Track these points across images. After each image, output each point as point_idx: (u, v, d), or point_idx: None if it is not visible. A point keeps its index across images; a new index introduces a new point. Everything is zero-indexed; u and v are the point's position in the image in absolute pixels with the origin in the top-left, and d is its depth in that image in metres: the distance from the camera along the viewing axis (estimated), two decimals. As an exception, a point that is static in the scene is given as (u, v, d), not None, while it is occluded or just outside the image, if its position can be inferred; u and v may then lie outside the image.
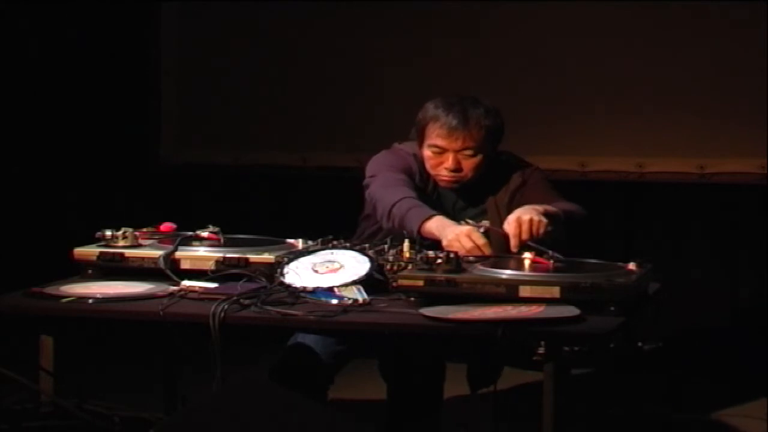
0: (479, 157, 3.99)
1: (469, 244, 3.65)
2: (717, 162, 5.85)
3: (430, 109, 4.02)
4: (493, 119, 4.00)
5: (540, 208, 3.78)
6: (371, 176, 4.05)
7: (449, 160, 3.98)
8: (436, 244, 3.69)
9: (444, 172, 3.99)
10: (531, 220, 3.68)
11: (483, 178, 4.02)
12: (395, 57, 6.16)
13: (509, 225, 3.71)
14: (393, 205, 3.87)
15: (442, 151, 3.98)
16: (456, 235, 3.69)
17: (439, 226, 3.76)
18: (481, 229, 3.77)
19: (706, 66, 5.84)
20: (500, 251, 3.76)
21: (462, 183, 4.01)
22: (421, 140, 4.03)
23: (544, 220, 3.71)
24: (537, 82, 5.98)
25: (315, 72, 6.26)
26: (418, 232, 3.76)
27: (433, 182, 4.06)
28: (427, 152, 4.01)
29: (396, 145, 4.16)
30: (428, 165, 4.02)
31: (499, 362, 3.91)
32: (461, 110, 3.98)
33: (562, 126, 5.97)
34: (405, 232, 3.74)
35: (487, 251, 3.66)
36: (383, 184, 3.98)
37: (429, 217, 3.78)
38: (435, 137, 3.98)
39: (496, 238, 3.81)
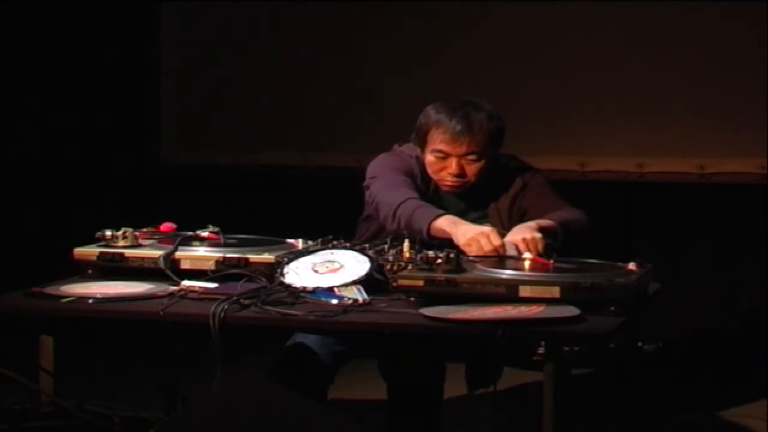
0: (482, 162, 3.98)
1: (488, 246, 3.64)
2: (717, 162, 5.85)
3: (432, 114, 4.01)
4: (496, 123, 4.00)
5: (533, 224, 3.77)
6: (372, 177, 4.05)
7: (453, 166, 3.97)
8: (444, 243, 3.69)
9: (447, 178, 3.99)
10: (524, 240, 3.67)
11: (484, 182, 4.02)
12: (395, 57, 6.16)
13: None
14: (398, 206, 3.87)
15: (445, 156, 3.98)
16: (475, 235, 3.68)
17: (450, 223, 3.76)
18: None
19: (706, 66, 5.84)
20: None
21: (466, 188, 4.01)
22: (423, 145, 4.02)
23: (538, 235, 3.69)
24: (537, 82, 5.98)
25: (315, 72, 6.26)
26: (428, 231, 3.76)
27: (434, 185, 4.05)
28: (429, 157, 4.00)
29: (396, 147, 4.15)
30: (431, 170, 4.02)
31: (499, 362, 3.91)
32: (464, 115, 3.97)
33: (562, 126, 5.97)
34: (411, 232, 3.73)
35: (503, 252, 3.66)
36: (385, 185, 3.98)
37: (438, 216, 3.79)
38: (439, 142, 3.97)
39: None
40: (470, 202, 4.05)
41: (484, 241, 3.65)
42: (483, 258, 3.60)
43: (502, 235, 3.73)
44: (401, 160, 4.07)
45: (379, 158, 4.12)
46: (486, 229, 3.70)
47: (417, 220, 3.80)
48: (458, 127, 3.95)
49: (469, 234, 3.69)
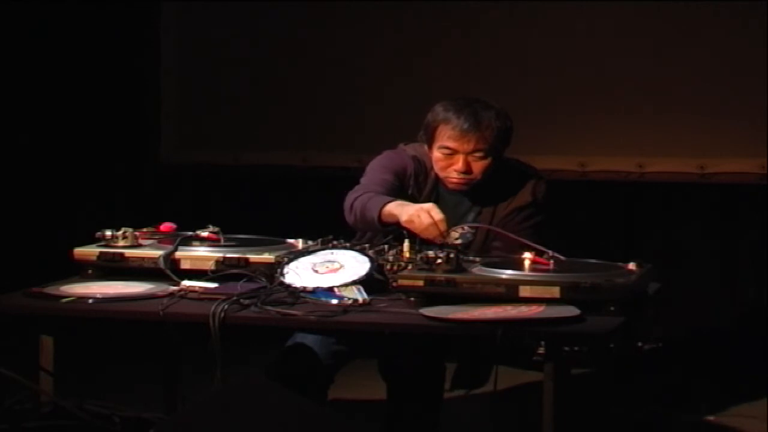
0: (489, 160, 3.99)
1: (427, 220, 3.69)
2: (717, 162, 5.85)
3: (440, 111, 4.02)
4: (504, 122, 4.02)
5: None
6: (363, 176, 4.09)
7: (459, 162, 3.98)
8: (396, 227, 3.73)
9: (454, 174, 4.00)
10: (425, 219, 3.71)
11: (487, 183, 4.03)
12: (395, 57, 6.16)
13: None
14: (355, 200, 3.92)
15: (452, 152, 3.99)
16: (415, 211, 3.73)
17: (398, 205, 3.81)
18: (465, 228, 3.81)
19: (706, 66, 5.84)
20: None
21: (471, 185, 4.02)
22: (430, 142, 4.03)
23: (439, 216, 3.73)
24: (537, 82, 5.98)
25: (315, 72, 6.26)
26: (379, 217, 3.79)
27: (432, 185, 4.06)
28: (437, 154, 4.01)
29: (401, 145, 4.16)
30: (437, 167, 4.03)
31: (488, 364, 3.91)
32: (473, 112, 3.98)
33: (562, 126, 5.97)
34: (365, 222, 3.82)
35: (443, 227, 3.70)
36: (362, 183, 4.02)
37: (389, 201, 3.83)
38: (446, 139, 3.98)
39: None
40: (471, 203, 4.05)
41: (423, 216, 3.70)
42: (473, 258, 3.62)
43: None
44: (397, 157, 4.09)
45: (377, 156, 4.15)
46: (426, 205, 3.75)
47: (370, 209, 3.85)
48: (466, 125, 3.96)
49: (410, 210, 3.74)
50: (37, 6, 6.32)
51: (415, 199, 4.00)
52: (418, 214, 3.72)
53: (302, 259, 3.62)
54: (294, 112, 6.31)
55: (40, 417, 3.42)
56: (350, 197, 3.97)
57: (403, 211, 3.77)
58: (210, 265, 3.65)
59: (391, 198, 3.86)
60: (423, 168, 4.06)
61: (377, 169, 4.06)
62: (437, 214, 3.71)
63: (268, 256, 3.66)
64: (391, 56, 6.17)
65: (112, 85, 6.44)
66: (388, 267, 3.59)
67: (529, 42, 6.01)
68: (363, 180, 4.05)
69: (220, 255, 3.67)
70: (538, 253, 3.59)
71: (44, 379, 3.53)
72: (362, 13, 6.20)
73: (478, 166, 3.99)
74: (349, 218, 3.95)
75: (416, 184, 4.05)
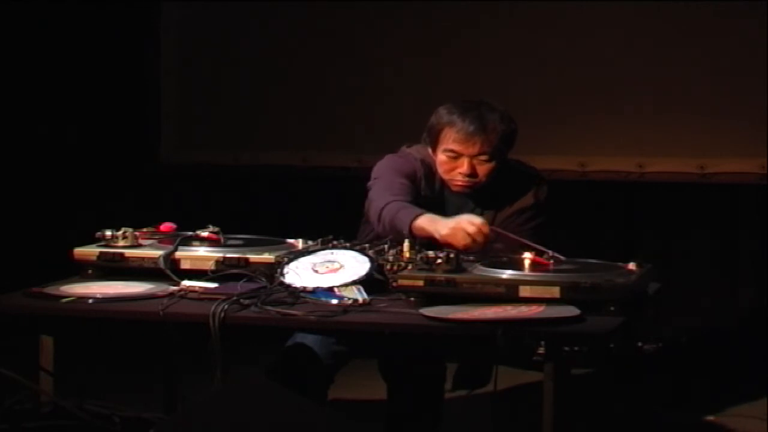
0: (494, 163, 3.99)
1: (471, 228, 3.68)
2: (717, 162, 5.85)
3: (445, 114, 4.01)
4: (508, 125, 4.01)
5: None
6: (374, 179, 4.06)
7: (464, 165, 3.98)
8: (428, 242, 3.70)
9: (458, 177, 3.99)
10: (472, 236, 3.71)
11: (490, 185, 4.02)
12: (395, 57, 6.16)
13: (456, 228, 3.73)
14: (383, 208, 3.89)
15: (457, 156, 3.98)
16: (456, 223, 3.72)
17: (430, 221, 3.78)
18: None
19: (706, 66, 5.84)
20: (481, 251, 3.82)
21: (475, 188, 4.01)
22: (434, 145, 4.03)
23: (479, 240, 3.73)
24: (537, 82, 5.98)
25: (315, 72, 6.26)
26: (410, 230, 3.77)
27: (439, 188, 4.06)
28: (441, 157, 4.01)
29: (404, 148, 4.15)
30: (442, 170, 4.02)
31: (492, 363, 3.91)
32: (478, 116, 3.98)
33: (562, 126, 5.97)
34: (395, 233, 3.77)
35: (487, 229, 3.70)
36: (381, 188, 3.99)
37: (419, 215, 3.80)
38: (451, 142, 3.98)
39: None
40: (474, 204, 4.05)
41: (466, 225, 3.70)
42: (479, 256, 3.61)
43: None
44: (405, 162, 4.07)
45: (383, 160, 4.13)
46: (465, 216, 3.76)
47: (400, 220, 3.83)
48: (471, 128, 3.96)
49: (450, 224, 3.72)
50: (37, 6, 6.31)
51: (427, 200, 3.99)
52: (460, 226, 3.70)
53: (302, 259, 3.62)
54: (294, 112, 6.31)
55: (40, 417, 3.42)
56: (376, 206, 3.93)
57: (438, 226, 3.75)
58: (210, 265, 3.65)
59: (420, 211, 3.83)
60: (431, 171, 4.06)
61: (390, 173, 4.03)
62: (477, 218, 3.73)
63: (268, 256, 3.66)
64: (392, 56, 6.17)
65: (113, 85, 6.44)
66: (388, 267, 3.59)
67: (529, 42, 6.01)
68: (378, 186, 4.01)
69: (220, 255, 3.67)
70: (538, 253, 3.59)
71: (44, 379, 3.53)
72: (362, 13, 6.20)
73: (482, 169, 3.99)
74: (378, 228, 3.92)
75: (426, 186, 4.04)
